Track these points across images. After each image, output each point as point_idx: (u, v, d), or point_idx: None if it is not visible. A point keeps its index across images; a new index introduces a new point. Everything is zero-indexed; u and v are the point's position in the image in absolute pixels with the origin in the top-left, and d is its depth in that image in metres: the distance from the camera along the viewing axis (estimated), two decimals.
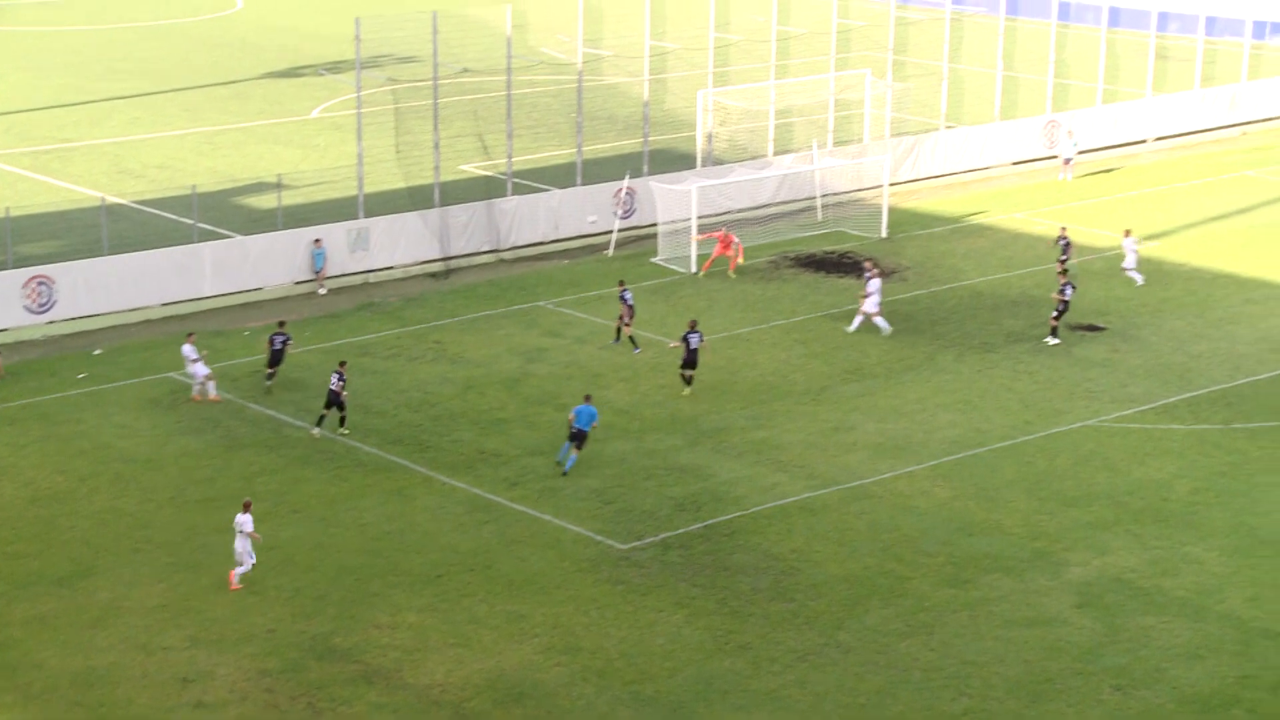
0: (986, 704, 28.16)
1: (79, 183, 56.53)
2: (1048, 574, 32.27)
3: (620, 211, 52.95)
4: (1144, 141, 66.40)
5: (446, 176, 52.75)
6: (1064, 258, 49.08)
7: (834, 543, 33.41)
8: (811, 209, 56.01)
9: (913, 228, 54.99)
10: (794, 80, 61.85)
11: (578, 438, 36.28)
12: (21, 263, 45.59)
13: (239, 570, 31.21)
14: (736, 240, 49.67)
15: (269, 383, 40.41)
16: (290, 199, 52.00)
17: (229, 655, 29.14)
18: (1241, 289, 49.26)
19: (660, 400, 40.36)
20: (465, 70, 66.46)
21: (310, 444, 37.53)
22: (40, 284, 44.50)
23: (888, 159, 55.61)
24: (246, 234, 49.20)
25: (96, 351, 43.34)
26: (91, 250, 46.84)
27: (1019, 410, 40.10)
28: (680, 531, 33.75)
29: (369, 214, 49.93)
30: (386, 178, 54.39)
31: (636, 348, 43.25)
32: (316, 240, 48.38)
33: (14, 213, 47.70)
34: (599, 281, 48.54)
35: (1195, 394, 41.18)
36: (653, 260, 51.00)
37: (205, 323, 45.09)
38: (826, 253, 51.66)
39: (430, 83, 52.35)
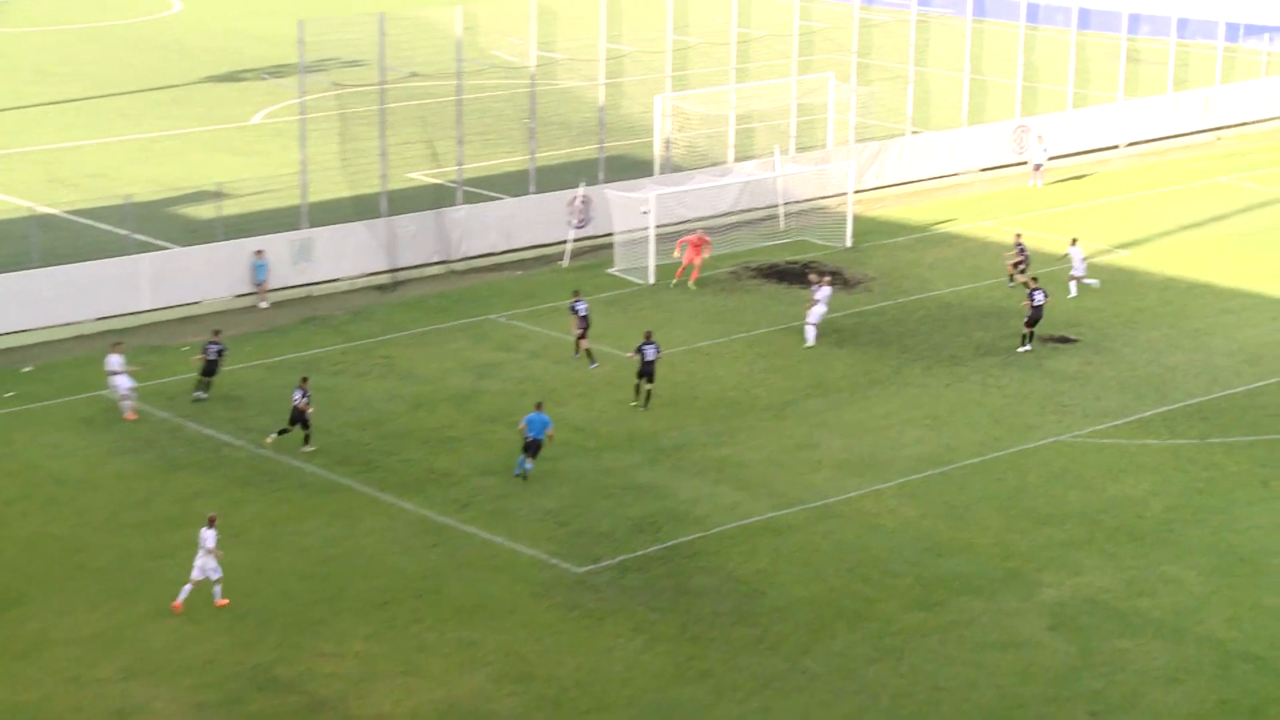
0: None
1: (8, 192, 56.05)
2: (1020, 595, 32.25)
3: (575, 220, 52.84)
4: (1116, 147, 66.76)
5: (394, 185, 52.54)
6: (1019, 262, 49.23)
7: (799, 564, 33.32)
8: (773, 217, 56.02)
9: (878, 237, 55.06)
10: (755, 84, 61.90)
11: (532, 448, 36.30)
12: None
13: (215, 590, 31.03)
14: (709, 240, 49.77)
15: (202, 394, 40.17)
16: (230, 209, 51.68)
17: (166, 687, 28.82)
18: (1217, 299, 49.49)
19: (618, 416, 40.22)
20: (413, 74, 66.27)
21: (251, 464, 37.23)
22: None
23: (852, 165, 55.68)
24: (184, 245, 48.93)
25: (26, 369, 42.93)
26: (21, 262, 46.40)
27: (989, 425, 40.13)
28: (639, 553, 33.61)
29: (313, 224, 49.68)
30: (331, 186, 54.14)
31: (593, 362, 43.12)
32: (258, 251, 48.09)
33: None
34: (554, 293, 48.39)
35: (1170, 408, 41.31)
36: (609, 271, 50.90)
37: (141, 338, 44.73)
38: (789, 263, 51.67)
39: (377, 87, 52.15)
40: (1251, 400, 41.90)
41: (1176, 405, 41.49)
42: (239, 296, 47.98)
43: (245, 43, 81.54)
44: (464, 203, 52.44)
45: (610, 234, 52.04)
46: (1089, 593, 32.38)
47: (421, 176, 58.04)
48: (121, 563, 32.95)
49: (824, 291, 45.13)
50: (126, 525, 34.48)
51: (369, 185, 53.01)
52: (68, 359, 43.44)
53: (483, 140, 61.06)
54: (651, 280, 49.93)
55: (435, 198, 54.25)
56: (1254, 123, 71.47)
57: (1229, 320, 47.76)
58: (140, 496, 35.72)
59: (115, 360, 39.68)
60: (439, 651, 30.05)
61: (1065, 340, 45.52)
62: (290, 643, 30.21)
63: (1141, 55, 73.90)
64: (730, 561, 33.36)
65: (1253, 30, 79.79)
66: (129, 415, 39.39)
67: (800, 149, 59.43)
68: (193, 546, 31.44)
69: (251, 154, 61.31)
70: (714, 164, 57.47)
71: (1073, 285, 49.09)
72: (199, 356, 40.76)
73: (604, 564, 33.20)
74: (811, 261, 51.55)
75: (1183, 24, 72.69)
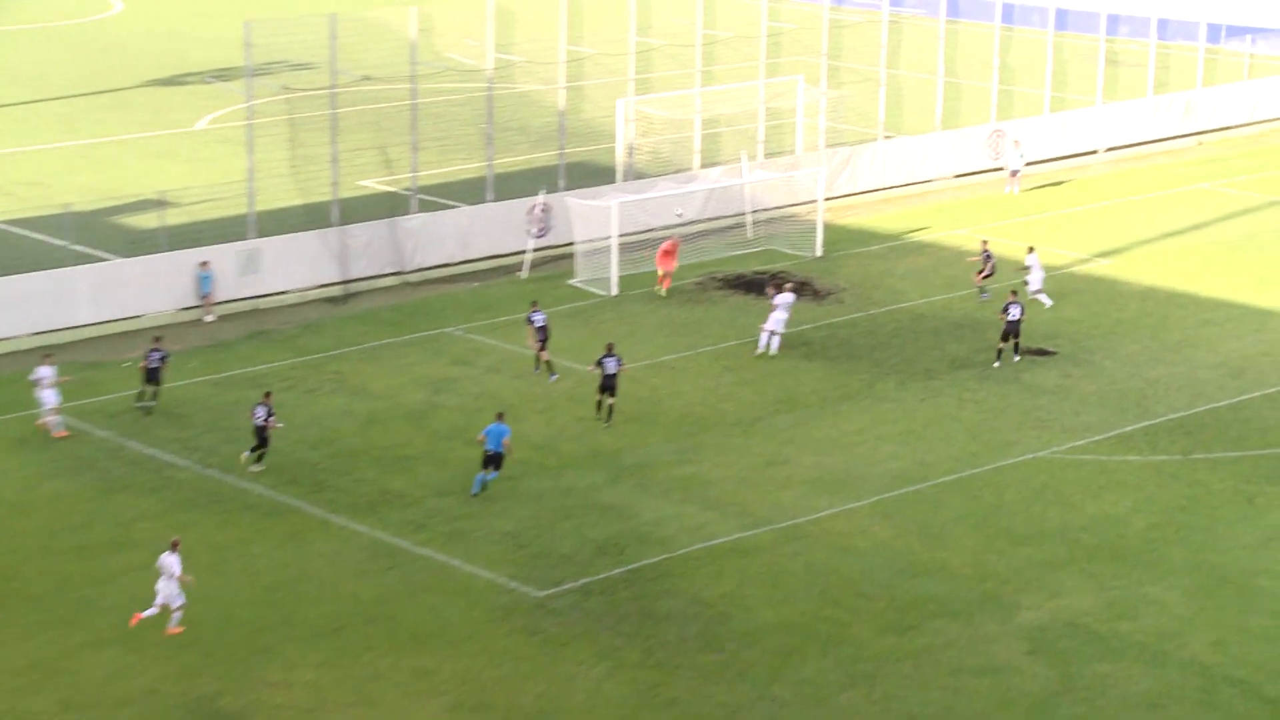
0: None
1: None
2: (997, 618, 32.27)
3: (535, 229, 52.77)
4: (1095, 152, 67.07)
5: (345, 193, 52.40)
6: (983, 272, 49.37)
7: (768, 587, 33.28)
8: (741, 226, 56.07)
9: (849, 245, 55.16)
10: (721, 87, 61.97)
11: (491, 460, 36.39)
12: None
13: (175, 616, 30.87)
14: (679, 242, 49.92)
15: (142, 405, 40.03)
16: (174, 218, 51.49)
17: None
18: (1199, 310, 49.72)
19: (579, 433, 40.15)
20: (366, 78, 66.12)
21: (196, 485, 37.04)
22: None
23: (822, 172, 55.78)
24: (126, 256, 48.74)
25: None
26: None
27: (965, 441, 40.20)
28: (601, 576, 33.54)
29: (261, 234, 49.52)
30: (280, 194, 53.96)
31: (553, 374, 43.08)
32: (203, 263, 47.90)
33: None
34: (512, 305, 48.31)
35: (1152, 422, 41.45)
36: (570, 282, 50.85)
37: (80, 353, 44.47)
38: (757, 273, 51.70)
39: (328, 91, 52.02)
40: (1235, 414, 42.08)
41: (1158, 420, 41.64)
42: (183, 310, 47.76)
43: (189, 45, 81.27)
44: (419, 211, 52.33)
45: (571, 244, 51.99)
46: (1069, 615, 32.42)
47: (374, 184, 57.88)
48: (59, 590, 32.70)
49: (785, 298, 45.14)
50: (64, 550, 34.23)
51: (319, 193, 52.83)
52: (2, 375, 43.12)
53: (438, 146, 60.95)
54: (614, 292, 49.90)
55: (389, 206, 54.12)
56: (1236, 127, 71.90)
57: (1212, 332, 47.99)
58: (78, 520, 35.47)
59: (45, 372, 39.40)
60: (393, 680, 29.89)
61: (1043, 353, 45.64)
62: (237, 672, 30.01)
63: (1120, 57, 74.27)
64: (696, 584, 33.30)
65: (1235, 31, 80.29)
66: (59, 433, 39.13)
67: (768, 155, 59.50)
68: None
69: (196, 161, 61.08)
70: (679, 171, 57.50)
71: (1044, 298, 49.23)
72: (140, 363, 40.64)
73: (565, 587, 33.10)
74: (780, 272, 51.59)
75: (1163, 25, 73.09)
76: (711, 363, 44.86)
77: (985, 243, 50.52)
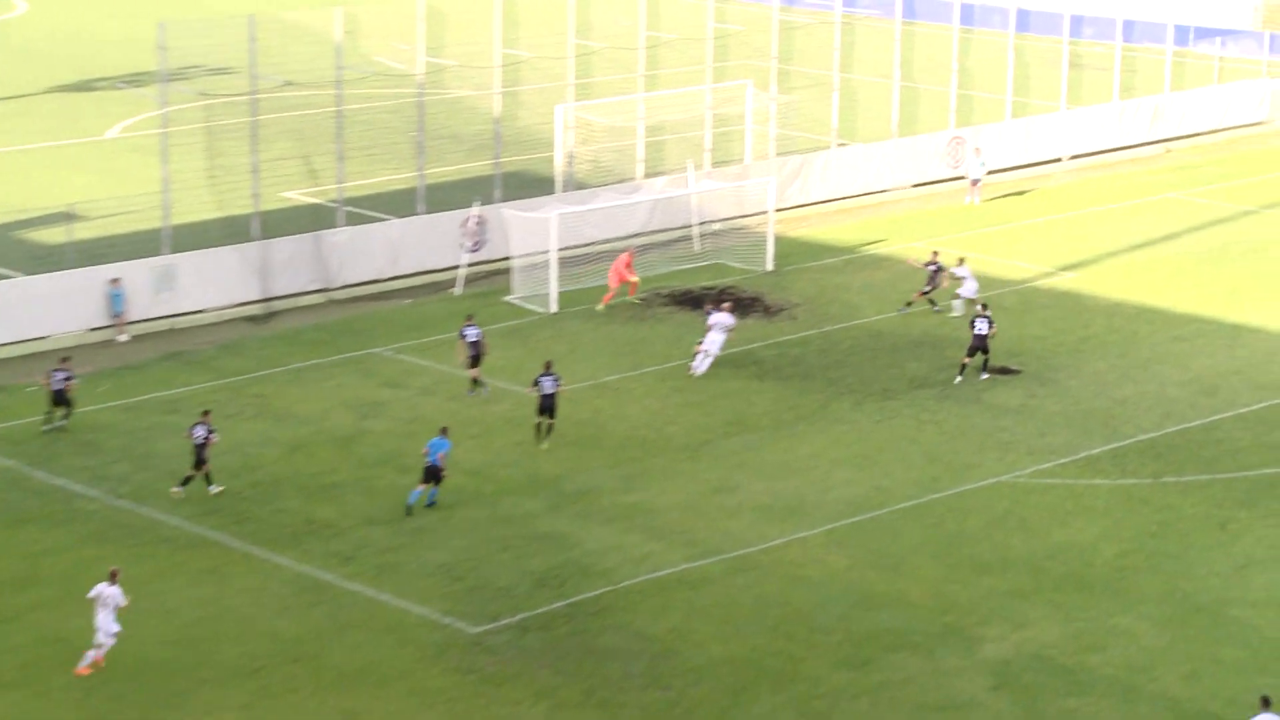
0: None
1: None
2: (959, 652, 32.38)
3: (469, 243, 52.72)
4: (1059, 160, 67.55)
5: (267, 205, 52.22)
6: (927, 288, 49.63)
7: (717, 620, 33.29)
8: (687, 239, 56.17)
9: (802, 259, 55.34)
10: (665, 93, 62.09)
11: (430, 474, 36.57)
12: None
13: (94, 651, 30.66)
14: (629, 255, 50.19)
15: (51, 427, 39.80)
16: (83, 232, 51.20)
17: None
18: (1169, 325, 50.11)
19: (517, 459, 40.10)
20: (288, 83, 65.94)
21: (107, 517, 36.80)
22: None
23: (773, 181, 55.96)
24: (31, 274, 48.47)
25: None
26: None
27: (924, 465, 40.35)
28: (541, 611, 33.48)
29: (176, 249, 49.29)
30: (197, 207, 53.75)
31: (484, 388, 43.10)
32: (114, 280, 47.66)
33: None
34: (445, 324, 48.23)
35: (1121, 444, 41.71)
36: (507, 299, 50.81)
37: None
38: (705, 288, 51.81)
39: (247, 97, 51.85)
40: (1208, 435, 42.40)
41: (1127, 441, 41.90)
42: (93, 330, 47.47)
43: (99, 48, 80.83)
44: (345, 224, 52.19)
45: (507, 258, 51.96)
46: (1034, 648, 32.56)
47: (298, 196, 57.69)
48: None
49: (722, 317, 45.18)
50: None
51: (239, 205, 52.64)
52: None
53: (366, 155, 60.81)
54: (553, 309, 49.89)
55: (313, 219, 53.96)
56: (1206, 133, 72.58)
57: (1182, 348, 48.36)
58: None
59: None
60: None
61: (1007, 371, 45.88)
62: (152, 717, 29.76)
63: (1085, 61, 74.88)
64: (641, 618, 33.28)
65: (1203, 34, 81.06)
66: None
67: (716, 163, 59.65)
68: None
69: (107, 171, 60.76)
70: (621, 180, 57.57)
71: (956, 305, 49.56)
72: (44, 385, 40.41)
73: (502, 623, 33.03)
74: (729, 288, 51.72)
75: (1129, 27, 73.75)
76: (657, 383, 44.89)
77: (936, 254, 50.68)
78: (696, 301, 50.67)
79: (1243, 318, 50.66)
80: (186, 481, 37.60)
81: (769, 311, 50.20)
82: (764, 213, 55.24)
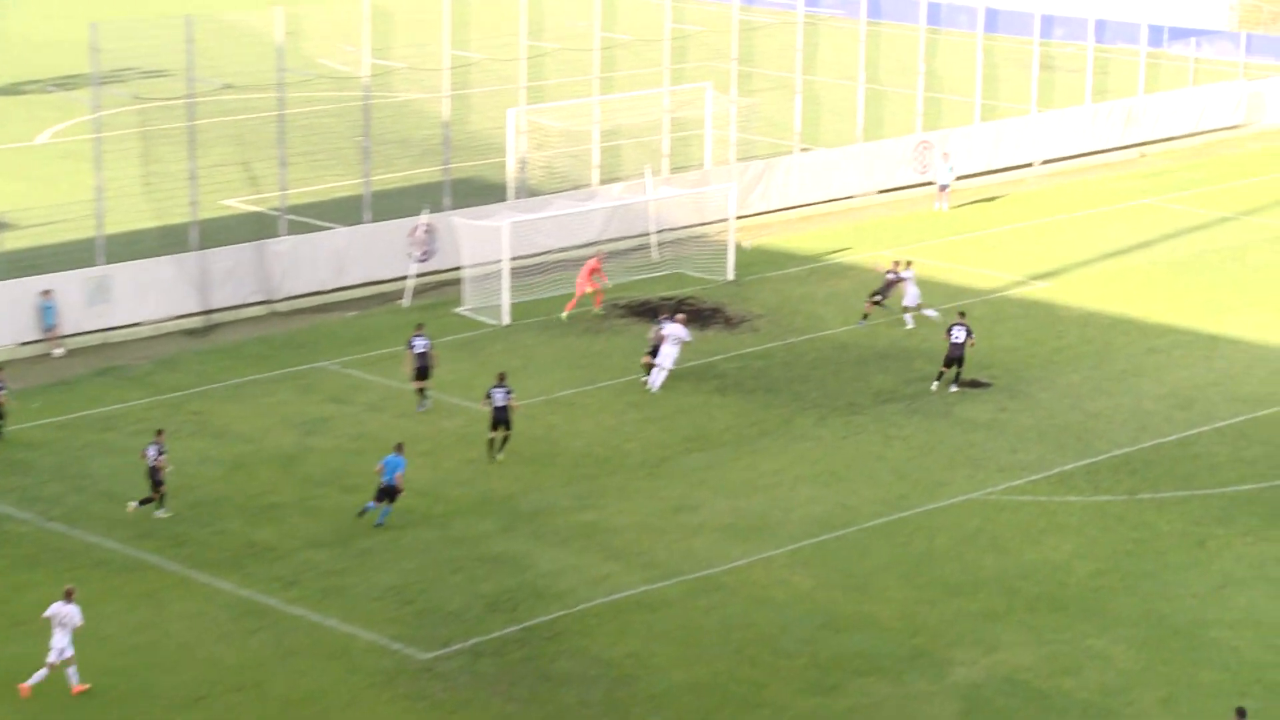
0: None
1: None
2: (929, 676, 32.49)
3: (417, 253, 52.70)
4: (1029, 165, 67.90)
5: (206, 213, 52.11)
6: (878, 297, 49.80)
7: (678, 644, 33.33)
8: (645, 247, 56.27)
9: (764, 268, 55.48)
10: (622, 96, 62.21)
11: (386, 493, 36.77)
12: None
13: (71, 673, 30.68)
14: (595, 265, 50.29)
15: None
16: (13, 242, 50.99)
17: None
18: (1144, 336, 50.40)
19: (468, 477, 40.09)
20: (227, 86, 65.86)
21: (38, 540, 36.64)
22: None
23: (733, 188, 56.11)
24: None
25: None
26: None
27: (892, 482, 40.49)
28: (494, 635, 33.47)
29: (111, 260, 49.15)
30: (132, 216, 53.59)
31: (425, 402, 43.15)
32: (45, 291, 47.51)
33: None
34: (392, 337, 48.19)
35: (1095, 460, 41.93)
36: (457, 311, 50.81)
37: None
38: (663, 299, 51.90)
39: (184, 101, 51.74)
40: (1184, 450, 42.66)
41: (1101, 457, 42.12)
42: (24, 344, 47.28)
43: (27, 50, 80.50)
44: (288, 233, 52.11)
45: (458, 268, 51.97)
46: (1006, 671, 32.69)
47: (238, 204, 57.57)
48: None
49: (674, 328, 45.27)
50: None
51: (177, 214, 52.52)
52: None
53: (309, 161, 60.75)
54: (505, 321, 49.91)
55: (255, 228, 53.86)
56: (1181, 137, 73.06)
57: (1158, 360, 48.65)
58: None
59: None
60: None
61: (977, 384, 46.08)
62: None
63: (1056, 62, 75.31)
64: (598, 643, 33.30)
65: (1178, 34, 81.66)
66: None
67: (674, 169, 59.76)
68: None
69: (37, 179, 60.51)
70: (576, 187, 57.64)
71: (908, 318, 49.80)
72: None
73: (454, 648, 33.01)
74: (688, 298, 51.84)
75: (1101, 27, 74.22)
76: (614, 398, 44.94)
77: (896, 264, 50.84)
78: (654, 313, 50.66)
79: (1220, 328, 51.00)
80: (146, 502, 37.51)
81: (730, 323, 50.32)
82: (724, 220, 55.37)
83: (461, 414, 43.19)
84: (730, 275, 54.13)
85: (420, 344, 43.60)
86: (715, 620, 34.23)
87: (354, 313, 51.21)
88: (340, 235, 53.14)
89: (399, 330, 48.21)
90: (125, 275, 48.99)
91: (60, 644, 30.91)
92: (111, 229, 49.96)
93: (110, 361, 47.00)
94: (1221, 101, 74.94)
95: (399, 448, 37.57)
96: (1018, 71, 71.20)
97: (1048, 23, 74.70)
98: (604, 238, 55.67)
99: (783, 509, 38.95)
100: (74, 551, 36.29)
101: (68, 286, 47.96)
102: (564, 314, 49.98)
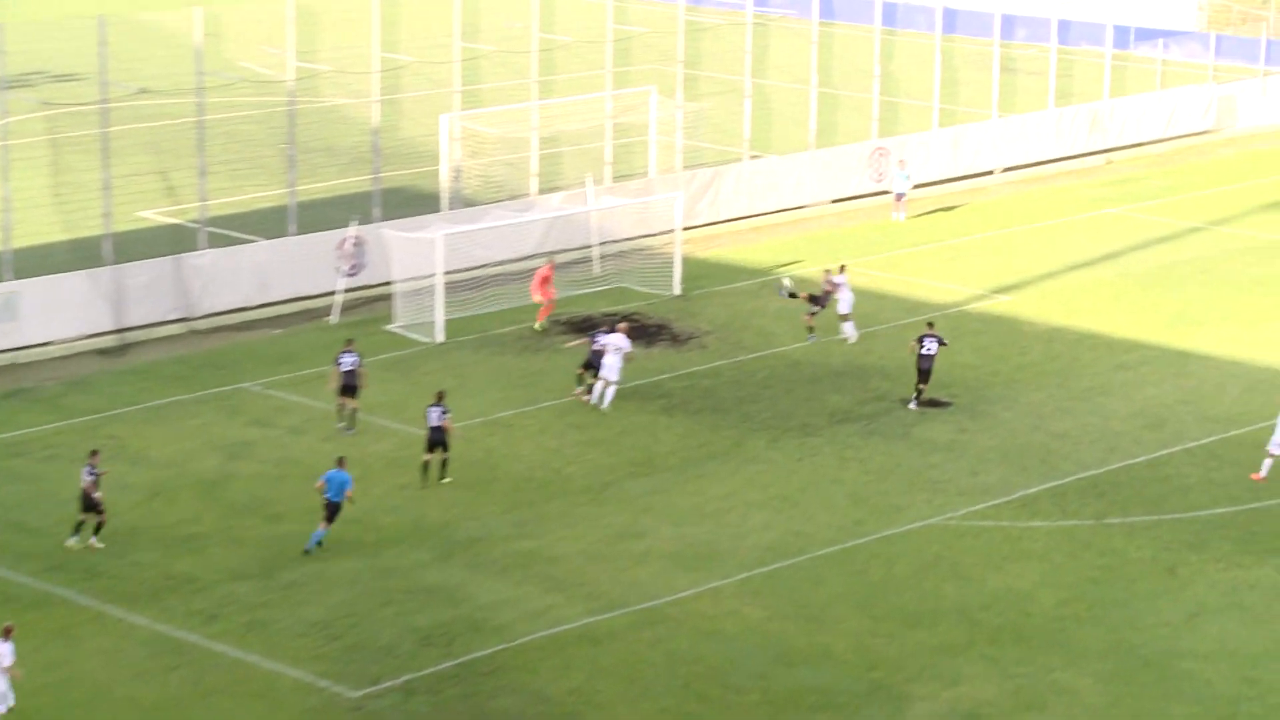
0: None
1: None
2: (887, 710, 32.57)
3: (345, 267, 52.61)
4: (990, 173, 68.24)
5: (120, 225, 51.89)
6: (815, 308, 49.95)
7: (622, 680, 33.33)
8: (587, 260, 56.29)
9: (712, 282, 55.58)
10: (562, 101, 62.26)
11: (329, 512, 37.00)
12: None
13: None
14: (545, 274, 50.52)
15: None
16: None
17: None
18: (1111, 352, 50.68)
19: (400, 504, 40.00)
20: (143, 90, 65.62)
21: None
22: None
23: (680, 197, 56.20)
24: None
25: None
26: None
27: (848, 507, 40.58)
28: (428, 671, 33.40)
29: (19, 274, 48.92)
30: (41, 228, 53.37)
31: (350, 428, 43.15)
32: None
33: None
34: (319, 356, 48.08)
35: (1061, 482, 42.12)
36: (388, 328, 50.72)
37: None
38: (606, 315, 51.91)
39: (97, 106, 51.53)
40: (1154, 472, 42.89)
41: (1067, 479, 42.31)
42: None
43: None
44: (208, 246, 51.95)
45: (389, 283, 51.89)
46: (968, 706, 32.79)
47: (155, 215, 57.35)
48: None
49: (615, 339, 45.30)
50: None
51: (89, 226, 52.30)
52: None
53: (230, 171, 60.58)
54: (439, 338, 49.85)
55: (172, 241, 53.69)
56: (1149, 143, 73.58)
57: (1126, 378, 48.92)
58: None
59: None
60: None
61: (936, 404, 46.25)
62: None
63: (1018, 65, 75.79)
64: (539, 679, 33.27)
65: (1145, 35, 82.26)
66: None
67: (617, 178, 59.84)
68: None
69: None
70: (514, 197, 57.64)
71: (846, 326, 49.98)
72: None
73: (385, 685, 32.92)
74: (633, 313, 51.89)
75: (1065, 28, 74.68)
76: (554, 419, 44.92)
77: (842, 268, 50.97)
78: (596, 329, 50.74)
79: (1190, 344, 51.34)
80: (99, 529, 37.31)
81: (677, 340, 50.38)
82: (670, 231, 55.43)
83: (391, 437, 43.10)
84: (677, 290, 54.21)
85: (349, 360, 43.50)
86: (662, 654, 34.24)
87: (278, 331, 51.06)
88: (263, 249, 52.99)
89: (326, 349, 48.10)
90: (34, 291, 48.73)
91: (3, 690, 30.68)
92: (19, 243, 49.71)
93: (18, 383, 46.74)
94: (1191, 105, 75.52)
95: (341, 462, 37.53)
96: (978, 74, 71.60)
97: (1009, 23, 75.14)
98: (543, 250, 55.68)
99: (732, 536, 38.99)
100: None
101: None
102: (537, 325, 50.12)
